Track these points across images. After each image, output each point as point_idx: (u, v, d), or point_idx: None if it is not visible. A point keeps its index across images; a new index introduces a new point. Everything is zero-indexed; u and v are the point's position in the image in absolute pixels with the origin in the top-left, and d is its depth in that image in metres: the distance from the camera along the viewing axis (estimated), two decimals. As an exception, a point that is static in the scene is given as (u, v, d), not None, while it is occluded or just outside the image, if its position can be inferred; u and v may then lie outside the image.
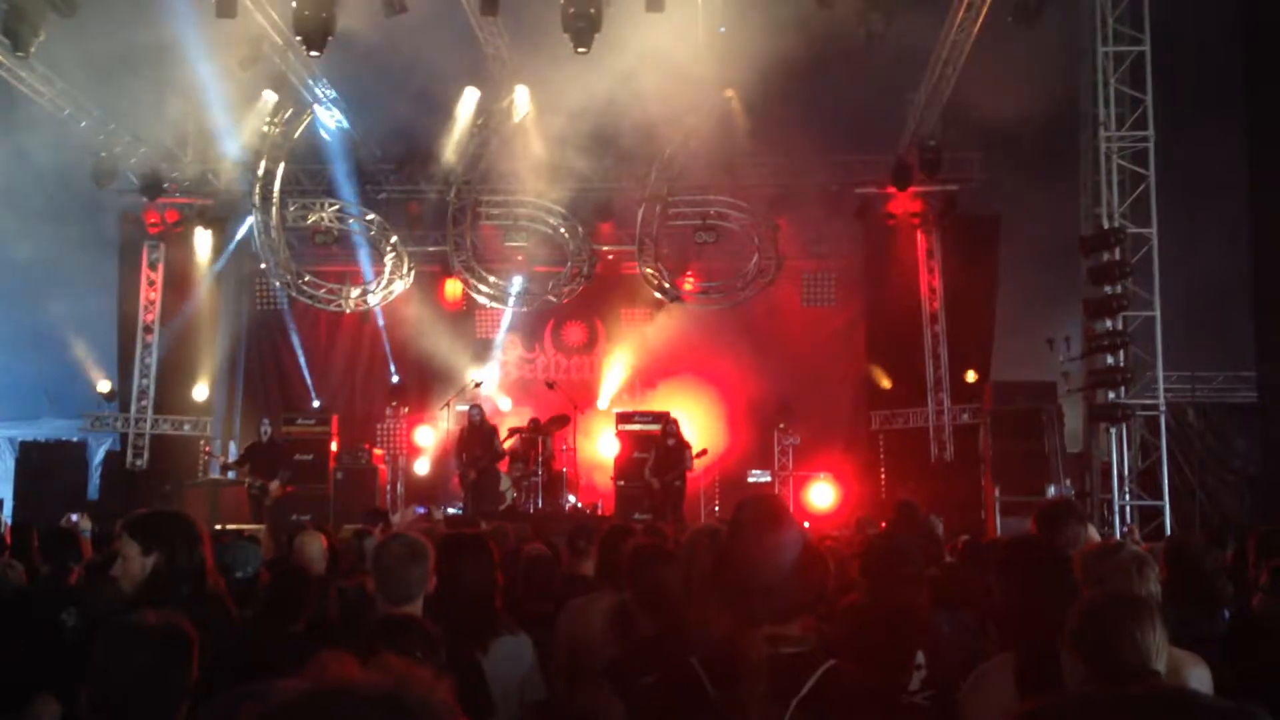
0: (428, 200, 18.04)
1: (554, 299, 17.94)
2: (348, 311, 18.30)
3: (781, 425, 17.41)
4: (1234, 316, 15.32)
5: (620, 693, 3.50)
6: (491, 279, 17.93)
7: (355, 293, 18.08)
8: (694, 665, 2.40)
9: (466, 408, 15.62)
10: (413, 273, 17.99)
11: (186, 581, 3.38)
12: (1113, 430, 14.03)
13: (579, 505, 16.16)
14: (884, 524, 9.70)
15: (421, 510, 12.44)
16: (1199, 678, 3.10)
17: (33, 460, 16.49)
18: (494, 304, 18.18)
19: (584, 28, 12.87)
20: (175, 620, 2.65)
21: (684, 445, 14.87)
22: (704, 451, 15.25)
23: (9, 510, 15.38)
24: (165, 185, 17.49)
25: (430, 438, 17.55)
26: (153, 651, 2.54)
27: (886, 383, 17.58)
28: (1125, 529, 13.43)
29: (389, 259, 17.92)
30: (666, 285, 17.64)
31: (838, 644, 2.90)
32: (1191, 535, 9.43)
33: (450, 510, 14.65)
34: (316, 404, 17.99)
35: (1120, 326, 13.73)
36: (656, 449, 14.98)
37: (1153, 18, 13.64)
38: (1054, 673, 2.71)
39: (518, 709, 3.89)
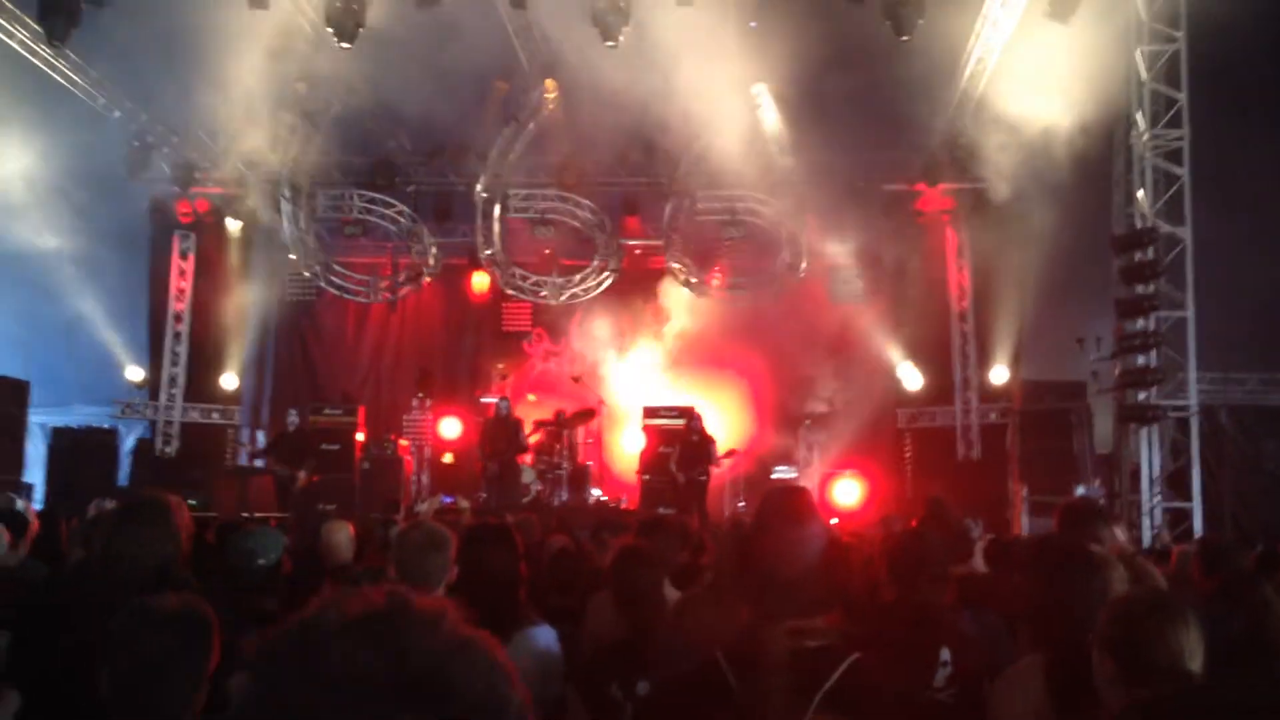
0: (456, 193, 18.08)
1: (581, 293, 17.95)
2: (375, 303, 18.38)
3: (808, 422, 17.35)
4: (1268, 318, 15.14)
5: (583, 697, 3.49)
6: (519, 272, 17.95)
7: (383, 284, 18.16)
8: (718, 658, 2.38)
9: (494, 400, 15.64)
10: (440, 265, 18.04)
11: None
12: (1143, 431, 13.90)
13: (603, 499, 16.16)
14: (914, 521, 9.64)
15: (448, 500, 12.45)
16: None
17: (64, 447, 16.67)
18: (521, 297, 18.20)
19: (613, 21, 12.86)
20: (194, 603, 2.66)
21: (708, 440, 14.81)
22: (733, 451, 15.12)
23: (39, 495, 15.55)
24: (197, 175, 17.62)
25: (456, 429, 17.58)
26: (171, 634, 2.55)
27: (914, 381, 17.49)
28: (1155, 531, 13.30)
29: (417, 251, 17.98)
30: (694, 280, 17.61)
31: (862, 639, 2.87)
32: (1224, 536, 9.34)
33: (483, 495, 14.69)
34: (343, 394, 18.07)
35: (1152, 326, 13.60)
36: (681, 444, 14.95)
37: (1189, 16, 13.49)
38: (1084, 673, 2.68)
39: (540, 701, 3.88)
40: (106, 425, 17.48)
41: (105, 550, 3.62)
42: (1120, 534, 4.76)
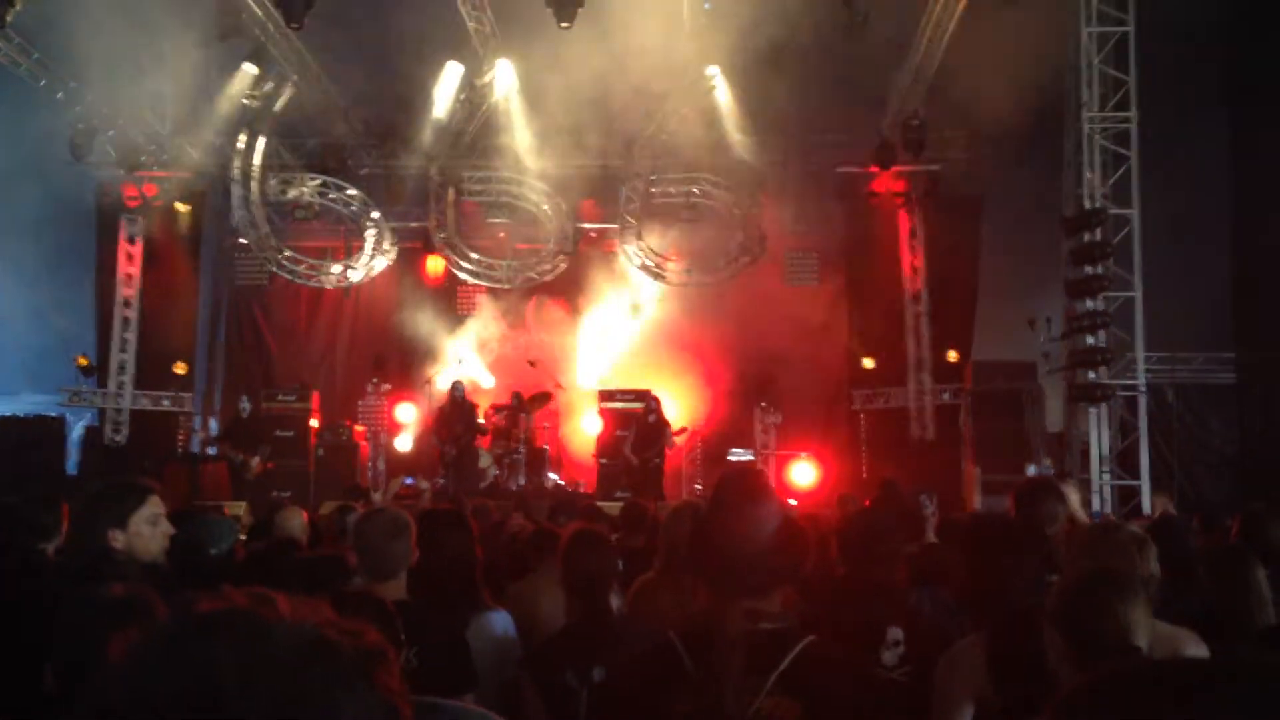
0: (409, 176, 17.92)
1: (536, 276, 17.88)
2: (329, 287, 18.20)
3: (763, 404, 17.42)
4: (1213, 298, 15.41)
5: (536, 683, 3.49)
6: (473, 255, 17.84)
7: (336, 268, 17.98)
8: (673, 639, 2.39)
9: (448, 384, 15.56)
10: (394, 248, 17.90)
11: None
12: (1092, 410, 14.10)
13: (561, 482, 16.16)
14: (868, 502, 9.73)
15: (410, 481, 12.40)
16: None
17: (11, 436, 16.35)
18: (475, 280, 18.11)
19: (567, 2, 12.78)
20: (142, 594, 2.62)
21: (664, 423, 14.87)
22: (684, 430, 15.27)
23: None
24: (144, 158, 17.31)
25: (411, 414, 17.49)
26: (117, 625, 2.51)
27: (868, 362, 17.61)
28: (1103, 507, 13.51)
29: (370, 234, 17.81)
30: (648, 264, 17.60)
31: (816, 619, 2.89)
32: (1174, 514, 9.51)
33: (441, 480, 14.65)
34: (296, 380, 17.88)
35: (1101, 307, 13.78)
36: (637, 427, 14.98)
37: (1137, -1, 13.66)
38: (1025, 651, 2.71)
39: (497, 684, 3.88)
40: (54, 414, 17.19)
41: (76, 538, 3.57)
42: (1076, 502, 4.85)
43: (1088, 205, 13.88)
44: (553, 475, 16.23)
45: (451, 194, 17.50)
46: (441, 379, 16.45)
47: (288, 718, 0.95)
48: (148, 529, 3.65)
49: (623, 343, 17.97)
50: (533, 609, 4.37)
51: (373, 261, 17.84)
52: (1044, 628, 2.64)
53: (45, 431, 16.68)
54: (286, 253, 17.83)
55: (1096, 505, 13.67)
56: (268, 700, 0.95)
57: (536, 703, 3.40)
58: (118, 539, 3.57)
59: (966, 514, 11.10)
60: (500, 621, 4.08)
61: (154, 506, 3.70)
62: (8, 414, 16.76)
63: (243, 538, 5.98)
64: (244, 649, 0.97)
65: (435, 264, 18.24)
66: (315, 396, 16.68)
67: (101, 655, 2.46)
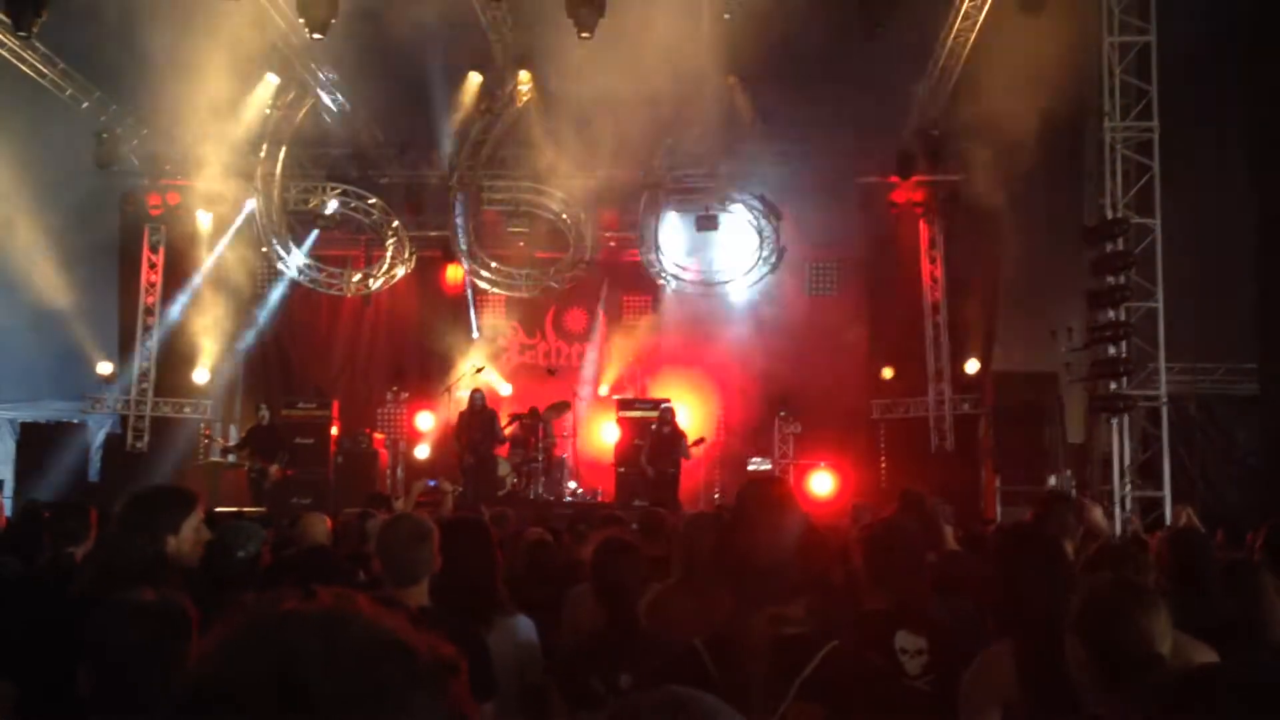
0: (429, 185, 17.98)
1: (555, 285, 17.91)
2: (349, 296, 18.28)
3: (782, 413, 17.40)
4: (1236, 308, 15.30)
5: (563, 689, 3.50)
6: (493, 264, 17.90)
7: (356, 277, 18.06)
8: (697, 647, 2.40)
9: (467, 393, 15.60)
10: (414, 257, 17.97)
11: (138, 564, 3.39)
12: (1114, 421, 14.02)
13: (579, 491, 16.16)
14: (887, 511, 9.69)
15: (433, 484, 12.45)
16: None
17: (33, 441, 16.49)
18: (495, 289, 18.16)
19: (588, 12, 12.83)
20: (173, 598, 2.65)
21: (679, 433, 14.85)
22: (701, 440, 15.24)
23: (9, 491, 15.39)
24: (167, 167, 17.46)
25: (430, 422, 17.54)
26: (149, 629, 2.54)
27: (888, 372, 17.56)
28: (1124, 518, 13.43)
29: (390, 243, 17.90)
30: (668, 272, 17.61)
31: (839, 626, 2.89)
32: (1197, 525, 9.45)
33: (459, 488, 14.67)
34: (316, 388, 17.96)
35: (1123, 317, 13.70)
36: (651, 437, 14.97)
37: (1159, 8, 13.60)
38: (1053, 658, 2.72)
39: (517, 690, 3.89)
40: (76, 420, 17.31)
41: (111, 540, 3.61)
42: (1098, 515, 4.84)
43: (1109, 215, 13.81)
44: (571, 484, 16.24)
45: (471, 203, 17.55)
46: (461, 387, 16.50)
47: (362, 708, 0.98)
48: (193, 535, 3.71)
49: (642, 351, 17.98)
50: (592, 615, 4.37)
51: (393, 270, 17.91)
52: (1065, 637, 2.64)
53: (68, 437, 16.82)
54: (307, 261, 17.93)
55: (1119, 517, 13.59)
56: (344, 689, 0.98)
57: (562, 708, 3.41)
58: (170, 544, 3.62)
59: (994, 525, 11.07)
60: (524, 628, 4.09)
61: (200, 514, 3.76)
62: (30, 420, 16.90)
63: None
64: (326, 640, 1.01)
65: (455, 273, 18.30)
66: (335, 404, 16.76)
67: (135, 659, 2.49)
